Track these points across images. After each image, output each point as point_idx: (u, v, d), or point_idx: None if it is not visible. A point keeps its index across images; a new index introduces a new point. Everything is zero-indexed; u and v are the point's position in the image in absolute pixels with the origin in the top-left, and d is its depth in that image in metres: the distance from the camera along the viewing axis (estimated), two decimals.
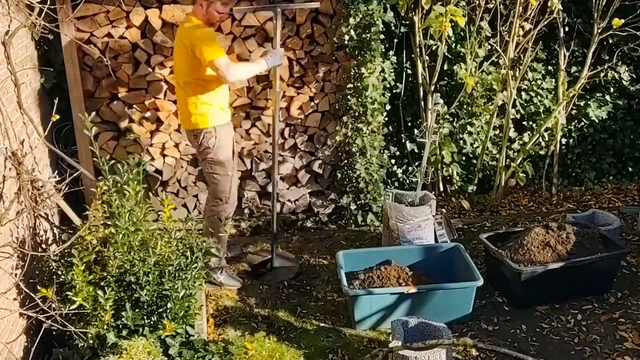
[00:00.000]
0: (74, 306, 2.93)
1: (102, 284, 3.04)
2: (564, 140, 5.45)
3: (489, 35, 4.99)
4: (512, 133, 5.33)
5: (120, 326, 3.05)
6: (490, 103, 5.19)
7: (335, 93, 4.82)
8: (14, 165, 3.20)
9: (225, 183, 3.96)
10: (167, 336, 3.10)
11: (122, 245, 3.09)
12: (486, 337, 3.63)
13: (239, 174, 4.51)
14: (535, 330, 3.70)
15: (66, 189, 3.45)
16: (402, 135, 5.16)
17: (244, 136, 4.80)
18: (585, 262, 3.79)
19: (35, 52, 4.11)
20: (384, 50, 4.69)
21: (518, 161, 5.10)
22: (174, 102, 4.59)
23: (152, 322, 3.11)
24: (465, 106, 5.18)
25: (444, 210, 5.12)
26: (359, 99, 4.61)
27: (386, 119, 4.91)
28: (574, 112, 5.40)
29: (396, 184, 5.24)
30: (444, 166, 5.16)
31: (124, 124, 4.55)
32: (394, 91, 5.00)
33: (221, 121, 3.90)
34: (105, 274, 3.07)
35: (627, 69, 5.40)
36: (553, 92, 5.33)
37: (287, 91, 4.74)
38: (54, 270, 3.18)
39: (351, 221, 4.99)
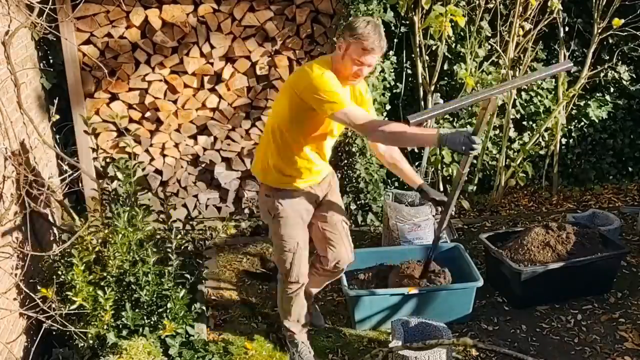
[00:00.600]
0: (74, 306, 2.93)
1: (102, 284, 3.04)
2: (564, 140, 5.45)
3: (489, 35, 4.99)
4: (512, 133, 5.33)
5: (120, 326, 3.05)
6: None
7: None
8: (14, 165, 3.20)
9: (285, 259, 3.17)
10: (167, 336, 3.10)
11: (121, 246, 3.09)
12: (486, 337, 3.63)
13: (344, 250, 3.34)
14: (535, 330, 3.69)
15: (66, 189, 3.45)
16: None
17: (244, 136, 4.80)
18: (585, 262, 3.79)
19: (35, 52, 4.11)
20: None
21: (518, 161, 5.10)
22: (174, 102, 4.60)
23: (152, 322, 3.11)
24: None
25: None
26: None
27: (386, 119, 4.91)
28: (574, 112, 5.39)
29: (396, 184, 5.24)
30: (444, 166, 5.16)
31: (123, 124, 4.55)
32: (394, 91, 5.00)
33: (296, 184, 3.09)
34: (105, 274, 3.08)
35: (627, 68, 5.40)
36: (553, 92, 5.33)
37: None
38: (54, 270, 3.18)
39: (351, 221, 4.99)
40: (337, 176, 4.57)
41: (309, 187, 3.13)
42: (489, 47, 5.03)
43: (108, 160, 4.48)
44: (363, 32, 2.77)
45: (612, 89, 5.47)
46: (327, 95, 2.75)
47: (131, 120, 4.57)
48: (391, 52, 4.85)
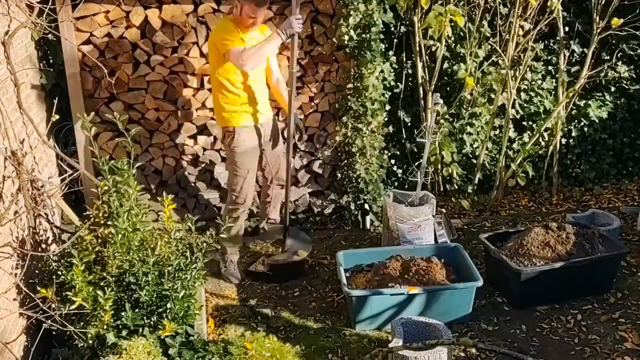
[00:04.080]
0: (74, 306, 2.93)
1: (101, 284, 3.04)
2: (563, 140, 5.45)
3: (489, 35, 4.99)
4: (512, 133, 5.33)
5: (120, 326, 3.05)
6: (490, 103, 5.20)
7: (335, 93, 4.82)
8: (14, 165, 3.20)
9: (237, 182, 4.06)
10: (166, 336, 3.10)
11: (121, 246, 3.09)
12: (486, 337, 3.63)
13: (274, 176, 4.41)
14: (535, 331, 3.70)
15: (66, 189, 3.45)
16: (402, 135, 5.16)
17: None
18: (585, 262, 3.79)
19: (35, 52, 4.11)
20: (383, 50, 4.69)
21: (518, 161, 5.10)
22: (174, 102, 4.60)
23: (151, 322, 3.11)
24: (465, 106, 5.18)
25: (443, 210, 5.11)
26: (359, 99, 4.61)
27: (386, 119, 4.91)
28: (573, 112, 5.39)
29: (396, 184, 5.24)
30: (444, 166, 5.16)
31: (123, 124, 4.54)
32: (394, 91, 5.00)
33: (244, 122, 3.99)
34: (105, 274, 3.07)
35: (627, 68, 5.40)
36: (553, 92, 5.33)
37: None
38: (53, 270, 3.18)
39: (351, 221, 4.99)
40: (337, 176, 4.72)
41: (254, 124, 4.03)
42: (489, 47, 5.03)
43: (108, 160, 4.48)
44: None
45: (612, 89, 5.47)
46: (221, 41, 3.80)
47: (131, 120, 4.57)
48: (391, 52, 4.86)
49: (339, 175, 4.93)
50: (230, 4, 3.94)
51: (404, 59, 4.99)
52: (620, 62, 5.37)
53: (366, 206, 4.86)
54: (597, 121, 5.41)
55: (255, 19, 3.86)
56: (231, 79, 3.90)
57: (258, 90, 4.02)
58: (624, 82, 5.44)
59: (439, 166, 5.15)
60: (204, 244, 3.27)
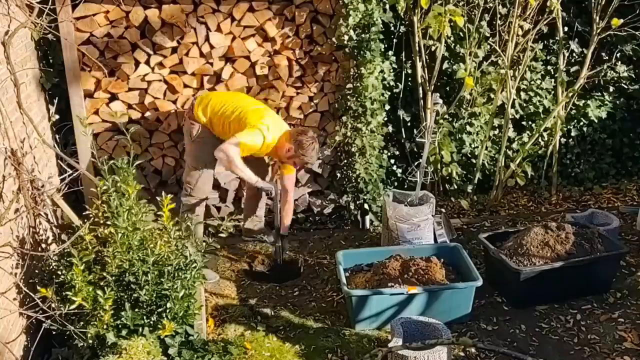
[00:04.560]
0: (74, 306, 2.93)
1: (101, 283, 3.04)
2: (563, 140, 5.46)
3: (488, 35, 5.00)
4: (511, 133, 5.34)
5: (120, 326, 3.05)
6: (489, 103, 5.20)
7: (335, 93, 4.82)
8: (14, 165, 3.20)
9: (193, 175, 4.22)
10: (166, 336, 3.10)
11: (121, 245, 3.09)
12: (485, 337, 3.63)
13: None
14: (535, 330, 3.70)
15: (66, 188, 3.45)
16: (402, 135, 5.16)
17: None
18: (585, 262, 3.80)
19: (35, 52, 4.11)
20: (383, 50, 4.69)
21: (517, 161, 5.11)
22: (174, 102, 4.60)
23: (151, 322, 3.11)
24: (464, 106, 5.18)
25: (443, 210, 5.12)
26: (359, 99, 4.61)
27: (385, 119, 4.91)
28: (573, 112, 5.40)
29: (395, 183, 5.24)
30: (444, 166, 5.17)
31: (123, 124, 4.55)
32: (394, 91, 5.01)
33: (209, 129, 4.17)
34: (104, 273, 3.08)
35: (626, 68, 5.40)
36: (552, 92, 5.34)
37: (287, 91, 4.74)
38: (53, 270, 3.18)
39: (350, 221, 4.99)
40: (337, 176, 4.56)
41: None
42: (488, 47, 5.03)
43: (107, 160, 4.48)
44: (309, 154, 4.07)
45: (611, 89, 5.48)
46: (248, 135, 3.96)
47: (131, 120, 4.57)
48: (390, 52, 4.86)
49: (339, 175, 4.93)
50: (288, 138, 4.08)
51: (404, 59, 4.99)
52: (620, 62, 5.37)
53: (366, 206, 4.87)
54: (596, 121, 5.41)
55: (289, 170, 4.29)
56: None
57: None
58: (624, 82, 5.44)
59: (439, 166, 5.16)
60: (204, 244, 3.27)
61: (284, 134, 4.11)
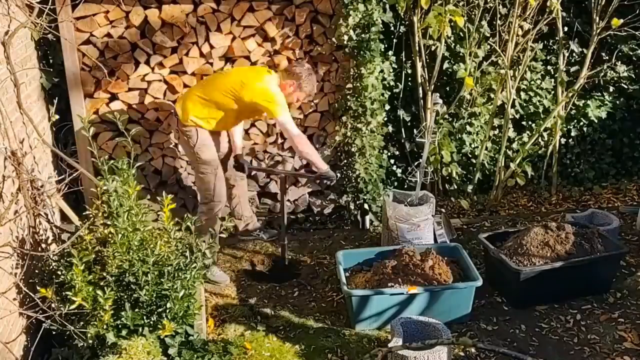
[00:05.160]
0: (74, 306, 2.93)
1: (101, 283, 3.04)
2: (563, 140, 5.46)
3: (488, 35, 5.00)
4: (511, 133, 5.34)
5: (120, 326, 3.05)
6: (489, 103, 5.20)
7: (335, 93, 4.82)
8: (14, 165, 3.20)
9: (209, 181, 4.11)
10: (166, 336, 3.10)
11: (121, 245, 3.09)
12: (485, 337, 3.63)
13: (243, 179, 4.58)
14: (535, 330, 3.70)
15: (66, 188, 3.45)
16: (402, 135, 5.16)
17: (243, 136, 4.79)
18: (585, 262, 3.80)
19: (35, 52, 4.11)
20: (383, 50, 4.69)
21: (517, 161, 5.11)
22: (174, 102, 4.60)
23: (151, 322, 3.11)
24: (464, 106, 5.18)
25: (443, 210, 5.12)
26: (358, 99, 4.61)
27: (385, 119, 4.92)
28: (573, 112, 5.40)
29: (395, 183, 5.24)
30: (444, 166, 5.17)
31: (123, 124, 4.54)
32: (394, 91, 5.01)
33: (205, 127, 4.11)
34: (104, 273, 3.08)
35: (626, 68, 5.40)
36: (552, 92, 5.34)
37: None
38: (53, 270, 3.18)
39: (350, 221, 4.99)
40: (337, 176, 4.59)
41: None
42: (488, 47, 5.04)
43: (107, 160, 4.48)
44: (310, 82, 4.16)
45: (611, 89, 5.48)
46: (277, 104, 4.04)
47: (131, 120, 4.57)
48: (390, 52, 4.86)
49: (339, 175, 4.93)
50: (287, 73, 4.13)
51: (404, 59, 4.99)
52: (620, 62, 5.37)
53: (366, 206, 4.87)
54: (596, 121, 5.41)
55: (297, 101, 4.28)
56: (225, 107, 4.07)
57: (229, 124, 4.25)
58: (623, 82, 5.45)
59: (439, 166, 5.16)
60: (204, 244, 3.27)
61: (280, 77, 4.15)
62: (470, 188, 5.31)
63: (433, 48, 4.96)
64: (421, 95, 5.04)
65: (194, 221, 3.22)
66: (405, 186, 5.15)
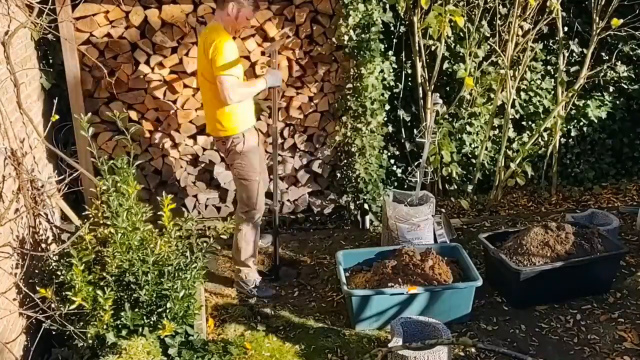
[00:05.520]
0: (74, 306, 2.93)
1: (101, 283, 3.04)
2: (563, 140, 5.46)
3: (488, 35, 5.00)
4: (511, 133, 5.34)
5: (120, 326, 3.05)
6: (489, 103, 5.20)
7: (335, 93, 4.82)
8: (14, 165, 3.20)
9: (252, 188, 3.94)
10: (166, 336, 3.10)
11: (121, 245, 3.09)
12: (485, 337, 3.63)
13: (266, 181, 4.35)
14: (535, 330, 3.70)
15: (66, 188, 3.45)
16: (402, 135, 5.17)
17: None
18: (584, 262, 3.80)
19: (35, 52, 4.11)
20: (383, 50, 4.69)
21: (517, 161, 5.11)
22: (174, 102, 4.60)
23: (151, 322, 3.11)
24: (464, 106, 5.18)
25: (443, 210, 5.12)
26: (358, 99, 4.61)
27: (385, 119, 4.91)
28: (573, 112, 5.40)
29: (395, 183, 5.24)
30: (443, 166, 5.17)
31: (123, 124, 4.54)
32: (394, 91, 5.01)
33: (248, 125, 3.89)
34: (104, 273, 3.08)
35: (626, 68, 5.40)
36: (552, 92, 5.34)
37: (287, 91, 4.74)
38: (53, 270, 3.18)
39: (350, 221, 4.99)
40: (337, 176, 4.78)
41: (251, 128, 3.94)
42: (488, 47, 5.04)
43: (107, 160, 4.49)
44: None
45: (611, 89, 5.48)
46: (221, 59, 3.59)
47: (130, 120, 4.57)
48: (390, 52, 4.86)
49: (339, 175, 4.93)
50: (222, 7, 3.68)
51: (404, 59, 4.99)
52: (620, 62, 5.37)
53: (365, 206, 4.87)
54: (596, 121, 5.41)
55: (250, 21, 3.88)
56: None
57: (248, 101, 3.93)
58: (623, 82, 5.45)
59: (439, 166, 5.16)
60: (204, 244, 3.27)
61: (217, 15, 3.76)
62: (470, 188, 5.31)
63: (433, 48, 4.96)
64: (421, 95, 5.04)
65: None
66: (405, 186, 5.15)
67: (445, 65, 5.05)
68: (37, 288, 2.97)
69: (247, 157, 3.87)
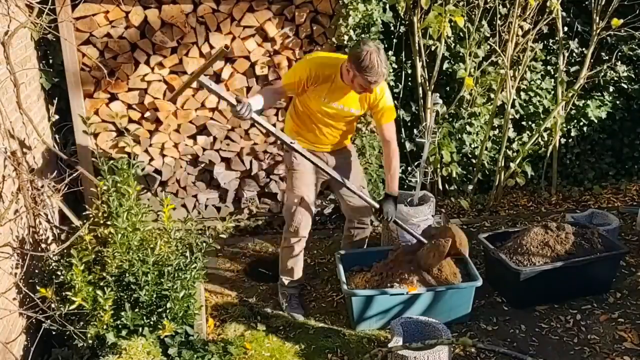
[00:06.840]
0: (74, 306, 2.93)
1: (101, 284, 3.04)
2: (563, 140, 5.46)
3: (488, 35, 5.00)
4: (511, 133, 5.34)
5: (120, 326, 3.05)
6: (489, 103, 5.20)
7: None
8: (14, 165, 3.20)
9: (291, 206, 3.74)
10: (166, 336, 3.10)
11: (121, 245, 3.10)
12: (485, 337, 3.63)
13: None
14: (535, 330, 3.70)
15: (65, 189, 3.45)
16: (402, 135, 5.16)
17: (243, 136, 4.80)
18: (584, 262, 3.80)
19: (35, 52, 4.11)
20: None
21: (517, 161, 5.11)
22: (174, 102, 4.60)
23: (151, 322, 3.11)
24: (464, 106, 5.18)
25: (443, 210, 5.12)
26: None
27: None
28: (573, 112, 5.40)
29: None
30: (443, 166, 5.17)
31: (123, 124, 4.55)
32: (393, 91, 5.00)
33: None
34: (104, 274, 3.08)
35: (626, 68, 5.40)
36: (552, 92, 5.34)
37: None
38: (53, 270, 3.19)
39: None
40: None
41: (314, 151, 3.68)
42: (488, 47, 5.04)
43: (107, 160, 4.49)
44: (368, 65, 3.25)
45: (611, 89, 5.48)
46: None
47: (130, 120, 4.57)
48: (390, 52, 4.85)
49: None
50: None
51: (404, 59, 4.99)
52: (620, 62, 5.37)
53: None
54: (596, 121, 5.41)
55: (368, 90, 3.43)
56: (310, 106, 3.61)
57: (324, 132, 3.70)
58: (623, 82, 5.45)
59: (439, 166, 5.16)
60: (204, 244, 3.28)
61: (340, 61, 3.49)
62: (470, 188, 5.31)
63: (433, 48, 4.96)
64: (421, 95, 5.04)
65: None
66: (405, 186, 5.14)
67: (445, 65, 5.05)
68: (37, 288, 2.97)
69: (292, 175, 3.74)
